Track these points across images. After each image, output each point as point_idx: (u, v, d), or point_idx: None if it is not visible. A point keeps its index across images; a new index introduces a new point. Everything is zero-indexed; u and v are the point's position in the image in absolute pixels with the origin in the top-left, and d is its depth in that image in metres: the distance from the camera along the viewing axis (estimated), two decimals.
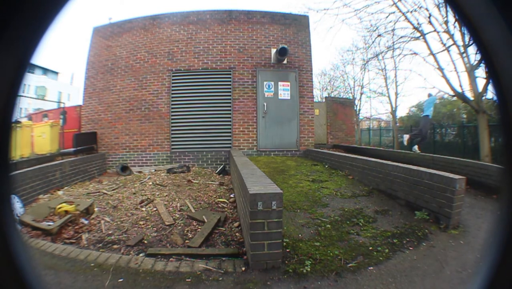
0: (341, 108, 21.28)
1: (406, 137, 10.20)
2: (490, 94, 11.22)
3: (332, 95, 27.04)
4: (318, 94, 31.73)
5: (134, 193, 6.55)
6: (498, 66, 0.45)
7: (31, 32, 0.41)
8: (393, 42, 14.26)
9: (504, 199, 0.47)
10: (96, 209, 5.24)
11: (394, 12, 12.55)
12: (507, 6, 0.41)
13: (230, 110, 10.32)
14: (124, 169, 9.82)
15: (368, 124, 32.65)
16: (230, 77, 10.35)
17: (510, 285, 0.44)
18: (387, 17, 13.62)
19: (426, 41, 12.15)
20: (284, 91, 10.43)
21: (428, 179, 4.80)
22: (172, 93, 10.47)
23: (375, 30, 13.86)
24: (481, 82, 10.88)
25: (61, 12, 0.42)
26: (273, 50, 10.37)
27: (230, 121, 10.29)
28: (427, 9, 11.74)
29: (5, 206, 0.44)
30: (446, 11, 11.10)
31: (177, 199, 5.92)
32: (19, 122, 10.56)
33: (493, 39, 0.45)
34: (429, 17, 11.74)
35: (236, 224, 4.56)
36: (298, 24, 10.97)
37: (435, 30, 11.89)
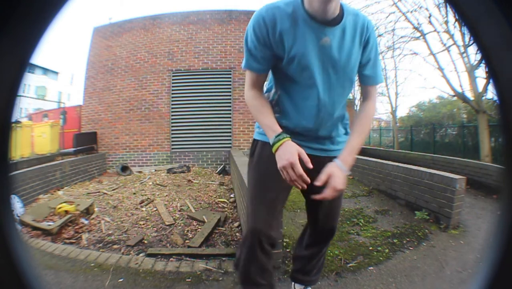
0: None
1: None
2: (490, 94, 11.23)
3: None
4: None
5: (134, 193, 6.55)
6: (499, 66, 0.45)
7: (31, 31, 0.41)
8: (393, 42, 14.27)
9: (505, 199, 0.47)
10: (96, 209, 5.24)
11: (394, 12, 12.55)
12: (508, 5, 0.41)
13: (230, 110, 10.31)
14: (124, 169, 9.81)
15: None
16: (230, 77, 10.34)
17: (511, 286, 0.44)
18: (387, 17, 13.62)
19: (426, 41, 12.16)
20: None
21: (428, 179, 4.80)
22: (172, 93, 10.46)
23: (375, 30, 13.85)
24: (481, 82, 10.89)
25: (62, 12, 0.42)
26: None
27: (230, 121, 10.29)
28: (427, 9, 11.77)
29: (5, 206, 0.44)
30: (446, 11, 11.10)
31: (177, 199, 5.92)
32: (19, 122, 10.57)
33: (494, 38, 0.45)
34: (429, 17, 11.75)
35: (236, 224, 4.56)
36: None
37: (435, 30, 11.89)
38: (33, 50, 0.42)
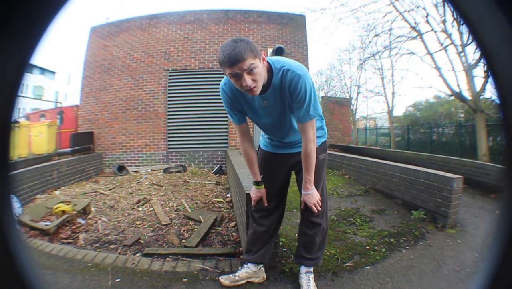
0: (338, 108, 21.35)
1: None
2: (488, 93, 11.24)
3: (329, 94, 27.05)
4: None
5: (131, 193, 6.54)
6: (499, 65, 0.45)
7: (32, 32, 0.41)
8: (390, 42, 14.26)
9: (504, 198, 0.47)
10: (93, 209, 5.23)
11: (391, 12, 12.54)
12: (509, 4, 0.41)
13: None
14: (121, 168, 9.80)
15: (364, 124, 32.68)
16: None
17: (511, 286, 0.44)
18: (384, 16, 13.61)
19: (423, 41, 12.16)
20: None
21: (425, 178, 4.81)
22: (169, 93, 10.46)
23: (372, 30, 13.84)
24: (478, 82, 10.90)
25: (61, 13, 0.42)
26: (270, 50, 10.34)
27: (226, 121, 10.27)
28: (424, 9, 11.74)
29: (5, 206, 0.44)
30: (444, 11, 11.11)
31: (173, 199, 5.91)
32: (17, 122, 10.52)
33: (494, 37, 0.45)
34: (426, 17, 11.74)
35: (232, 224, 4.56)
36: (294, 24, 10.97)
37: (432, 30, 11.89)
38: (33, 51, 0.42)
